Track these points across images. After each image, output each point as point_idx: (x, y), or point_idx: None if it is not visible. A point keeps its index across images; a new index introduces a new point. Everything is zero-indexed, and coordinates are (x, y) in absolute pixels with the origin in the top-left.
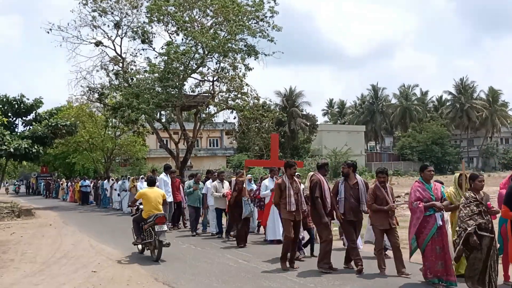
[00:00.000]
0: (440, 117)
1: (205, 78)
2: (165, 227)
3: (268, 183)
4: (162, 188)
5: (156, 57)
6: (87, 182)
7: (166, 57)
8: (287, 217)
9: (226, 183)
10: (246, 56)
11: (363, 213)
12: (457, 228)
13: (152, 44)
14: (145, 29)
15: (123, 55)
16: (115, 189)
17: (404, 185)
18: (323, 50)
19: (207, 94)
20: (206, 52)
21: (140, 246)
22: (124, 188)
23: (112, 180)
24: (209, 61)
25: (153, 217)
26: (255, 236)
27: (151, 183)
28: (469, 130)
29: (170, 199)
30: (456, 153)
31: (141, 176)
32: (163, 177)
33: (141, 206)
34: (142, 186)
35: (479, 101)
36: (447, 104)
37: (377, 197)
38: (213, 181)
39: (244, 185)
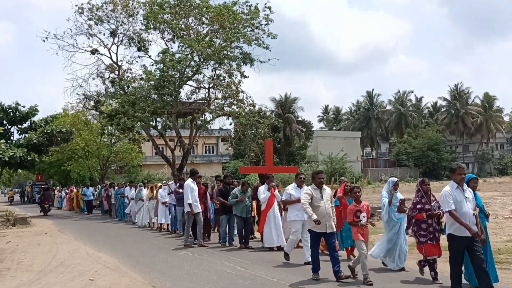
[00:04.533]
0: (436, 123)
1: (201, 85)
2: None
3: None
4: (188, 197)
5: (152, 65)
6: (91, 189)
7: (162, 65)
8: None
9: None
10: (242, 64)
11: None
12: None
13: (148, 51)
14: (141, 36)
15: (119, 63)
16: (132, 199)
17: (400, 190)
18: (316, 57)
19: (203, 101)
20: (202, 60)
21: None
22: (140, 197)
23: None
24: (205, 68)
25: None
26: (252, 243)
27: None
28: (465, 136)
29: (198, 209)
30: (452, 158)
31: (163, 182)
32: (189, 183)
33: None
34: (163, 194)
35: (474, 107)
36: (442, 110)
37: None
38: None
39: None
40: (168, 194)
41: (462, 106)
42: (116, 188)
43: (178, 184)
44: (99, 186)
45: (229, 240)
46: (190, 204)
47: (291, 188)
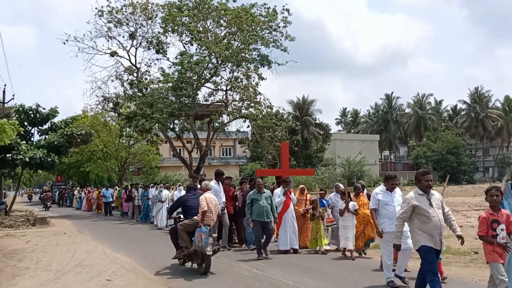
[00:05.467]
0: (455, 127)
1: (219, 87)
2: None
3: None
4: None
5: (170, 67)
6: (110, 191)
7: (180, 67)
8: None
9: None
10: (259, 66)
11: None
12: None
13: (166, 54)
14: (160, 39)
15: (138, 65)
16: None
17: None
18: (334, 59)
19: (220, 103)
20: (220, 62)
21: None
22: (160, 199)
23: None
24: (223, 70)
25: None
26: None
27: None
28: (485, 140)
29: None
30: (471, 162)
31: (179, 184)
32: (213, 185)
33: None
34: (179, 195)
35: (495, 110)
36: (462, 113)
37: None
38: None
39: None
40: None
41: (482, 109)
42: (142, 189)
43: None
44: (116, 187)
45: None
46: None
47: (380, 192)
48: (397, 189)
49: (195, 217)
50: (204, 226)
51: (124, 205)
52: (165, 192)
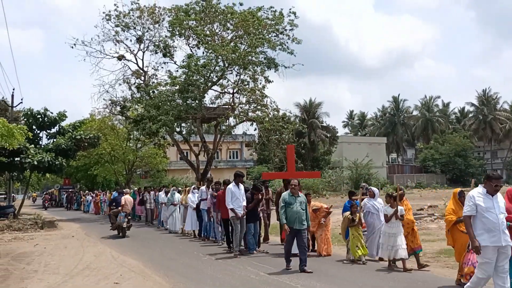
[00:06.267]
0: (463, 129)
1: (225, 90)
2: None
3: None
4: (228, 202)
5: (177, 70)
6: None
7: (186, 70)
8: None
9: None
10: (266, 69)
11: None
12: None
13: (173, 57)
14: (167, 43)
15: (145, 69)
16: (163, 203)
17: (426, 197)
18: (341, 61)
19: (227, 106)
20: (226, 65)
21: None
22: (172, 202)
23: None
24: (229, 73)
25: None
26: (276, 248)
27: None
28: (493, 142)
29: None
30: (479, 165)
31: (193, 187)
32: (230, 187)
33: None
34: (193, 198)
35: (503, 113)
36: (470, 115)
37: None
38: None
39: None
40: (202, 200)
41: (490, 111)
42: (156, 193)
43: (214, 188)
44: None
45: (257, 247)
46: (232, 209)
47: (479, 195)
48: (499, 194)
49: (119, 208)
50: (122, 212)
51: (136, 209)
52: (178, 196)
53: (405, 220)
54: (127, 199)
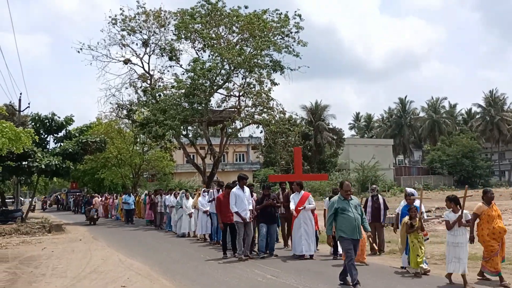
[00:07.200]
0: (470, 130)
1: (231, 93)
2: None
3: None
4: (232, 205)
5: (183, 74)
6: (132, 197)
7: (192, 73)
8: None
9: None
10: (272, 71)
11: None
12: None
13: (179, 61)
14: (173, 46)
15: (151, 72)
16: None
17: (434, 199)
18: (347, 63)
19: (233, 109)
20: (232, 68)
21: None
22: (181, 205)
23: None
24: (235, 76)
25: None
26: (283, 251)
27: None
28: (500, 143)
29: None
30: (487, 166)
31: (203, 190)
32: (234, 190)
33: None
34: (204, 202)
35: (510, 114)
36: (477, 116)
37: None
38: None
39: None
40: (209, 201)
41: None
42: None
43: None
44: (136, 192)
45: (269, 251)
46: (237, 213)
47: None
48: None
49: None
50: (93, 209)
51: (148, 213)
52: (190, 201)
53: (496, 228)
54: (96, 200)
